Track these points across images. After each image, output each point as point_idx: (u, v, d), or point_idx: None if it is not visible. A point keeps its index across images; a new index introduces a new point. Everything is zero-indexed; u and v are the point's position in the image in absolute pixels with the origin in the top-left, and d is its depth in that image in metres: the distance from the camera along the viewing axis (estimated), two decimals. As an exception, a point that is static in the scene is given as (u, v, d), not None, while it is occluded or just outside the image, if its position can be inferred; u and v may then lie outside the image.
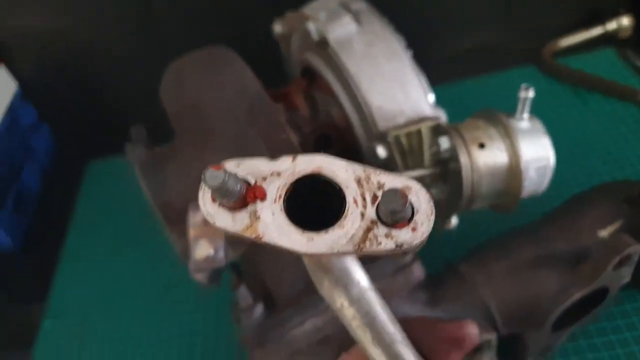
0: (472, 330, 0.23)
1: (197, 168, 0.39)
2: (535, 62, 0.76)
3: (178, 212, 0.38)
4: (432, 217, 0.19)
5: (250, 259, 0.41)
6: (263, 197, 0.19)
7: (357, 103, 0.44)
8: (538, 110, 0.70)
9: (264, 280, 0.41)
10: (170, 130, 0.48)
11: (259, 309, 0.39)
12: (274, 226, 0.19)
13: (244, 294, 0.39)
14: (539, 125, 0.39)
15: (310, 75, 0.50)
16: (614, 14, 0.76)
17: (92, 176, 0.80)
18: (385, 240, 0.19)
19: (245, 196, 0.19)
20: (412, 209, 0.19)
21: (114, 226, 0.72)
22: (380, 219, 0.19)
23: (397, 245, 0.19)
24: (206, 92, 0.42)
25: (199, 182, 0.40)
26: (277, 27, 0.53)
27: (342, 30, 0.44)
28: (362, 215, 0.19)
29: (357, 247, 0.19)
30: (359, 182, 0.19)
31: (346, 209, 0.19)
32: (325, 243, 0.19)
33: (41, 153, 0.80)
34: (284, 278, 0.40)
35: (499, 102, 0.72)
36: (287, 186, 0.19)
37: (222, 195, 0.18)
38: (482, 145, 0.38)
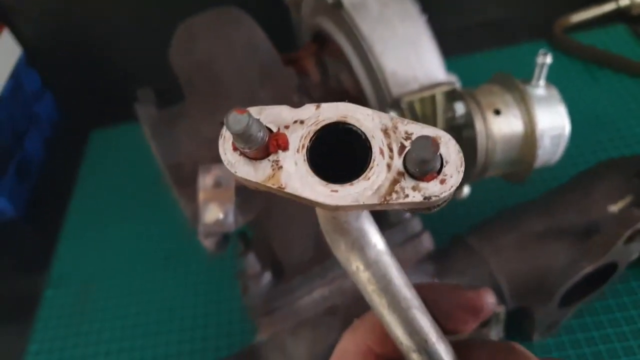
0: (490, 299, 0.23)
1: (207, 129, 0.39)
2: (546, 37, 0.75)
3: (188, 174, 0.38)
4: (462, 170, 0.18)
5: (259, 226, 0.40)
6: (286, 146, 0.19)
7: (370, 68, 0.43)
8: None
9: (272, 247, 0.41)
10: (177, 97, 0.47)
11: (266, 277, 0.39)
12: (296, 177, 0.18)
13: (252, 261, 0.38)
14: (555, 92, 0.39)
15: (321, 40, 0.49)
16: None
17: (96, 145, 0.80)
18: (412, 193, 0.18)
19: (268, 145, 0.19)
20: (442, 160, 0.18)
21: (116, 195, 0.72)
22: (407, 170, 0.18)
23: (425, 198, 0.18)
24: (217, 52, 0.41)
25: (210, 143, 0.39)
26: (288, -8, 0.52)
27: (357, -8, 0.43)
28: (389, 166, 0.18)
29: (383, 200, 0.18)
30: (385, 131, 0.18)
31: (372, 159, 0.18)
32: (350, 195, 0.18)
33: (45, 120, 0.79)
34: (293, 246, 0.40)
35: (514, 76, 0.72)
36: (310, 135, 0.18)
37: (244, 141, 0.17)
38: (497, 112, 0.37)
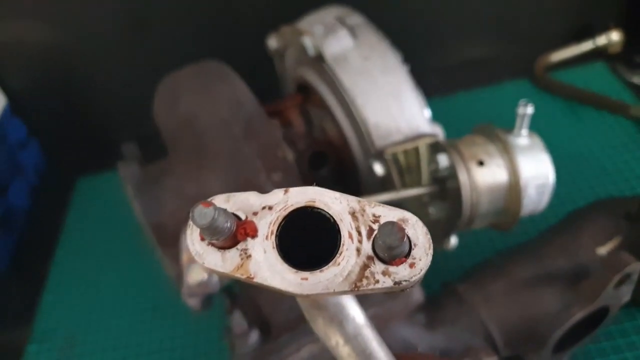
0: None
1: (191, 187, 0.38)
2: (528, 75, 0.76)
3: (171, 233, 0.37)
4: (430, 252, 0.18)
5: (245, 283, 0.40)
6: (254, 234, 0.18)
7: (353, 119, 0.43)
8: (531, 124, 0.70)
9: (259, 305, 0.40)
10: (161, 147, 0.47)
11: (254, 335, 0.38)
12: (265, 265, 0.18)
13: (238, 319, 0.38)
14: (538, 141, 0.39)
15: (305, 91, 0.50)
16: (604, 29, 0.76)
17: (82, 192, 0.79)
18: (382, 278, 0.18)
19: (236, 233, 0.18)
20: (410, 243, 0.18)
21: (102, 244, 0.71)
22: (376, 254, 0.18)
23: (395, 283, 0.18)
24: (201, 107, 0.41)
25: (193, 202, 0.39)
26: (272, 42, 0.52)
27: (338, 45, 0.44)
28: (358, 250, 0.18)
29: (354, 286, 0.18)
30: (353, 214, 0.18)
31: (341, 243, 0.18)
32: (321, 283, 0.18)
33: (30, 170, 0.79)
34: (280, 303, 0.39)
35: (493, 114, 0.73)
36: (279, 220, 0.18)
37: (211, 233, 0.17)
38: (481, 163, 0.37)
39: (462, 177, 0.36)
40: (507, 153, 0.37)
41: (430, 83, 0.77)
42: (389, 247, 0.17)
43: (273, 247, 0.18)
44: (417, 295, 0.42)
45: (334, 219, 0.18)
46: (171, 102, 0.42)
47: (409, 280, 0.18)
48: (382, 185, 0.42)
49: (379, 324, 0.39)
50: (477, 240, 0.60)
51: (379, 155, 0.41)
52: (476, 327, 0.44)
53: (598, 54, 0.77)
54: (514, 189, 0.37)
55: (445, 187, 0.38)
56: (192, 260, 0.35)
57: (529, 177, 0.38)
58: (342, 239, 0.18)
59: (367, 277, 0.18)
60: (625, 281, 0.45)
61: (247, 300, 0.40)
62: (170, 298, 0.61)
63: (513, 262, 0.48)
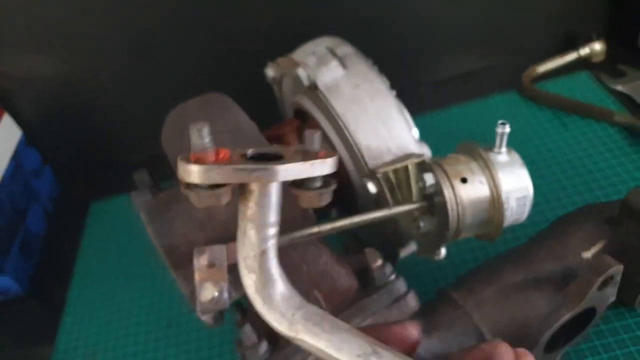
0: (413, 331, 0.28)
1: (199, 212, 0.42)
2: (515, 87, 0.80)
3: (183, 255, 0.40)
4: None
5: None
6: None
7: (347, 142, 0.47)
8: (520, 134, 0.74)
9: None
10: (169, 166, 0.50)
11: (263, 347, 0.41)
12: None
13: (248, 332, 0.41)
14: (516, 157, 0.42)
15: (302, 115, 0.53)
16: (588, 40, 0.80)
17: (96, 216, 0.82)
18: None
19: None
20: None
21: (118, 265, 0.74)
22: None
23: None
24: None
25: (202, 224, 0.42)
26: (269, 71, 0.56)
27: (330, 75, 0.47)
28: None
29: None
30: None
31: None
32: None
33: (45, 196, 0.83)
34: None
35: (485, 126, 0.76)
36: None
37: None
38: (464, 180, 0.40)
39: (447, 193, 0.40)
40: (488, 169, 0.40)
41: (423, 98, 0.81)
42: None
43: None
44: (413, 304, 0.45)
45: None
46: (178, 133, 0.46)
47: None
48: (376, 201, 0.45)
49: (378, 331, 0.43)
50: (471, 247, 0.63)
51: (372, 175, 0.44)
52: (470, 330, 0.47)
53: (582, 63, 0.80)
54: (496, 202, 0.40)
55: (433, 203, 0.42)
56: (204, 280, 0.38)
57: (509, 190, 0.41)
58: None
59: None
60: (609, 283, 0.48)
61: (255, 314, 0.43)
62: (183, 315, 0.65)
63: (503, 268, 0.51)
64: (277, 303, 0.25)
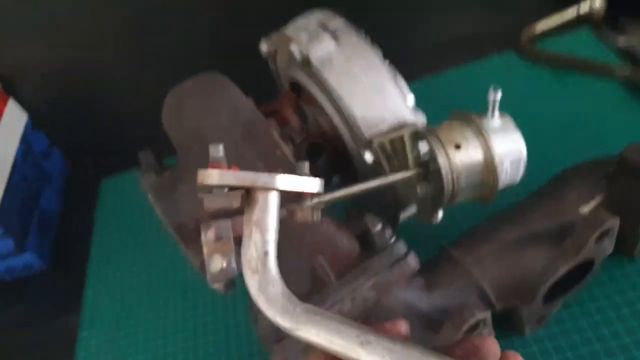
0: (402, 327, 0.29)
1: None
2: (514, 47, 0.79)
3: (191, 231, 0.43)
4: None
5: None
6: None
7: (342, 114, 0.48)
8: (520, 95, 0.74)
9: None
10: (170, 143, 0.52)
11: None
12: None
13: (255, 296, 0.43)
14: (509, 121, 0.43)
15: (298, 89, 0.54)
16: (586, -5, 0.78)
17: (107, 193, 0.85)
18: None
19: None
20: None
21: (132, 237, 0.77)
22: None
23: None
24: (204, 119, 0.46)
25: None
26: (264, 47, 0.57)
27: (322, 49, 0.48)
28: None
29: None
30: None
31: None
32: None
33: (56, 176, 0.85)
34: (290, 281, 0.45)
35: (484, 88, 0.76)
36: None
37: None
38: (458, 146, 0.41)
39: (442, 160, 0.41)
40: (482, 135, 0.42)
41: (420, 62, 0.81)
42: None
43: None
44: (413, 264, 0.47)
45: None
46: (177, 116, 0.47)
47: None
48: (374, 169, 0.47)
49: (382, 290, 0.45)
50: (471, 207, 0.64)
51: (368, 145, 0.46)
52: (471, 286, 0.50)
53: (582, 20, 0.79)
54: (490, 167, 0.42)
55: (429, 170, 0.43)
56: (212, 252, 0.40)
57: (503, 154, 0.42)
58: None
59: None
60: (605, 236, 0.50)
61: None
62: (197, 281, 0.68)
63: (502, 225, 0.53)
64: (278, 299, 0.28)
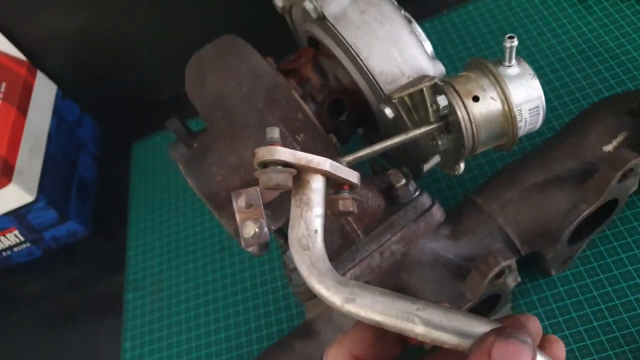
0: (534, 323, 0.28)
1: (231, 159, 0.45)
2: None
3: (223, 198, 0.45)
4: None
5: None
6: None
7: (361, 69, 0.48)
8: (542, 24, 0.71)
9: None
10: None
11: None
12: None
13: (291, 257, 0.46)
14: (527, 68, 0.42)
15: (315, 43, 0.54)
16: None
17: (138, 156, 0.88)
18: None
19: None
20: None
21: (167, 198, 0.81)
22: None
23: None
24: (225, 86, 0.47)
25: (237, 169, 0.46)
26: (279, 1, 0.56)
27: (336, 4, 0.47)
28: None
29: None
30: None
31: None
32: None
33: (90, 143, 0.88)
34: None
35: (503, 23, 0.74)
36: None
37: None
38: (476, 98, 0.41)
39: (460, 113, 0.41)
40: (499, 85, 0.41)
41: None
42: None
43: None
44: (438, 216, 0.48)
45: None
46: (199, 84, 0.48)
47: None
48: (395, 124, 0.48)
49: (409, 242, 0.47)
50: (491, 156, 0.65)
51: (388, 100, 0.46)
52: (495, 232, 0.51)
53: None
54: (509, 116, 0.42)
55: (449, 122, 0.43)
56: (244, 219, 0.42)
57: (521, 103, 0.42)
58: None
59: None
60: (629, 175, 0.50)
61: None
62: (233, 241, 0.72)
63: (524, 170, 0.53)
64: (330, 275, 0.29)
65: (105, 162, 0.90)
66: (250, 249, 0.45)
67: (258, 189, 0.43)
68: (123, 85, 0.89)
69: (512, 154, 0.63)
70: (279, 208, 0.45)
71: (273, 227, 0.45)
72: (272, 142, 0.33)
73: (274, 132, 0.33)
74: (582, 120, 0.55)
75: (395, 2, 0.49)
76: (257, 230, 0.43)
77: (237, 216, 0.42)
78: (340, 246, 0.47)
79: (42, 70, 0.80)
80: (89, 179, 0.85)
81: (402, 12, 0.48)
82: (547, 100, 0.45)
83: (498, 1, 0.77)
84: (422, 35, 0.50)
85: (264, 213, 0.43)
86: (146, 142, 0.89)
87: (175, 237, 0.76)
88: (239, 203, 0.43)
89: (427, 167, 0.52)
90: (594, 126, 0.54)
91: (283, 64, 0.54)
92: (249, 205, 0.42)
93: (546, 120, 0.63)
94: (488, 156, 0.66)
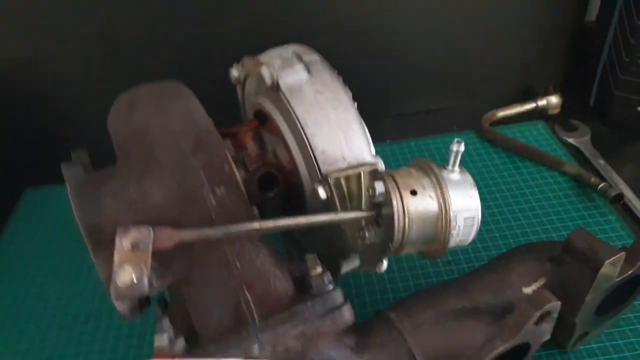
0: None
1: (133, 192, 0.39)
2: (475, 128, 0.82)
3: (107, 236, 0.37)
4: None
5: (177, 291, 0.40)
6: None
7: (303, 146, 0.46)
8: (475, 173, 0.75)
9: (188, 314, 0.40)
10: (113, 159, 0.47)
11: (180, 344, 0.37)
12: None
13: (166, 327, 0.38)
14: (468, 177, 0.42)
15: (262, 117, 0.52)
16: (546, 92, 0.83)
17: (27, 203, 0.78)
18: None
19: None
20: None
21: (40, 256, 0.70)
22: None
23: None
24: (153, 120, 0.42)
25: (135, 206, 0.39)
26: (234, 72, 0.55)
27: (294, 77, 0.46)
28: None
29: None
30: None
31: None
32: None
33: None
34: (211, 312, 0.39)
35: (440, 162, 0.77)
36: None
37: None
38: (414, 192, 0.39)
39: (396, 203, 0.39)
40: (439, 186, 0.40)
41: (384, 129, 0.82)
42: None
43: None
44: (348, 316, 0.42)
45: None
46: (126, 113, 0.43)
47: None
48: (325, 208, 0.44)
49: (308, 342, 0.40)
50: (412, 272, 0.62)
51: (324, 180, 0.43)
52: (402, 354, 0.46)
53: (539, 114, 0.84)
54: (444, 219, 0.40)
55: (381, 213, 0.40)
56: (123, 262, 0.35)
57: (458, 209, 0.40)
58: None
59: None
60: (545, 318, 0.48)
61: (177, 309, 0.40)
62: (104, 308, 0.61)
63: (444, 294, 0.50)
64: None
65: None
66: (119, 305, 0.37)
67: (151, 230, 0.36)
68: (35, 130, 0.82)
69: (437, 276, 0.61)
70: (170, 263, 0.38)
71: (155, 284, 0.37)
72: (160, 352, 0.30)
73: (162, 340, 0.31)
74: (506, 259, 0.54)
75: (351, 94, 0.49)
76: (134, 278, 0.35)
77: (115, 257, 0.35)
78: (229, 328, 0.39)
79: None
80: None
81: (356, 105, 0.48)
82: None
83: (438, 143, 0.81)
84: (369, 137, 0.49)
85: (149, 261, 0.36)
86: (41, 191, 0.80)
87: (35, 299, 0.64)
88: (123, 242, 0.36)
89: (346, 267, 0.48)
90: (517, 267, 0.53)
91: (223, 128, 0.51)
92: (134, 247, 0.36)
93: (466, 258, 0.63)
94: (413, 270, 0.63)
